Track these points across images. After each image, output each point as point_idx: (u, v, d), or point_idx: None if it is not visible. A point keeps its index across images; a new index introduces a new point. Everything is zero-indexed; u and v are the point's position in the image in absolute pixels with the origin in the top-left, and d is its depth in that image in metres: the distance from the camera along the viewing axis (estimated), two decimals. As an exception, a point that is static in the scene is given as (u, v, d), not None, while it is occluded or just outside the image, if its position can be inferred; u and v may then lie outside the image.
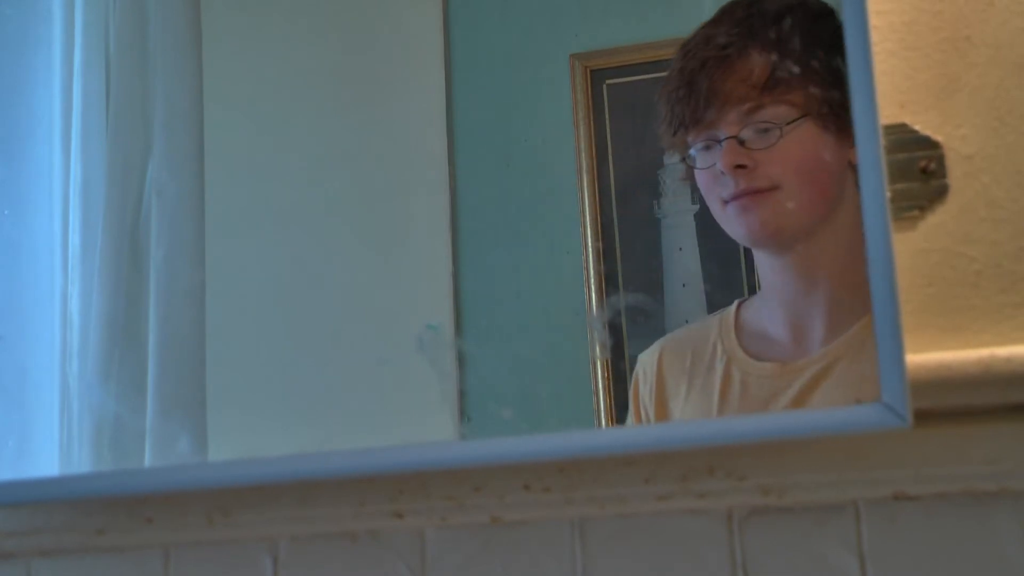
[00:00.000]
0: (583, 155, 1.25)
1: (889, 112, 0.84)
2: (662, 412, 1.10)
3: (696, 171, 1.09)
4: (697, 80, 1.07)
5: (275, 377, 1.27)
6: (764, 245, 1.07)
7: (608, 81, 1.26)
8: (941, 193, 0.83)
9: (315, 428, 1.16)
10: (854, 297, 1.00)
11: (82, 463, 1.20)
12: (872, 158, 0.80)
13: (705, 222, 1.12)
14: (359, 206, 1.31)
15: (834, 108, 1.02)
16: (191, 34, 1.28)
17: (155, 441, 1.18)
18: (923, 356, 0.79)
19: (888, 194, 0.79)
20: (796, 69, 1.04)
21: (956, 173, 0.83)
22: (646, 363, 1.12)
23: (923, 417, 0.77)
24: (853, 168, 1.01)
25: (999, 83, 0.83)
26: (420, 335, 1.23)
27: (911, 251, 0.82)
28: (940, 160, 0.83)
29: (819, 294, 1.06)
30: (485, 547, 0.88)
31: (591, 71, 1.27)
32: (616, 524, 0.85)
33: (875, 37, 0.83)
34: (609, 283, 1.22)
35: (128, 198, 1.26)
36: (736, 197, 1.05)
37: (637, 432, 0.89)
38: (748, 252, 1.12)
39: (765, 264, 1.09)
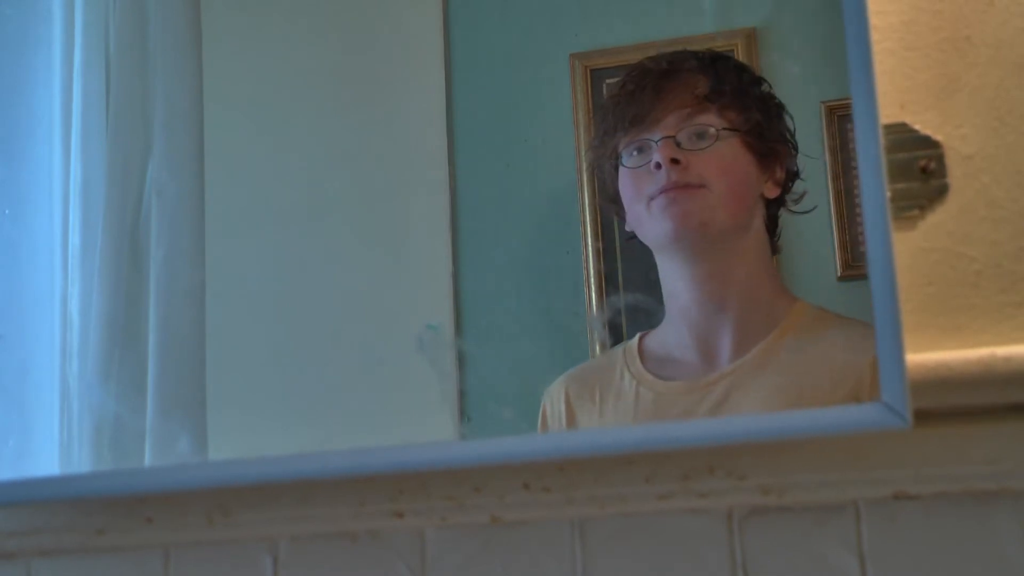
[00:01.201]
0: (583, 155, 1.25)
1: (889, 112, 0.84)
2: None
3: (623, 172, 1.15)
4: (641, 88, 1.14)
5: (275, 377, 1.27)
6: (687, 240, 1.11)
7: (608, 81, 1.26)
8: (941, 193, 0.83)
9: (315, 428, 1.17)
10: (758, 319, 1.10)
11: (82, 463, 1.20)
12: (872, 158, 0.80)
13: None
14: (359, 206, 1.31)
15: (761, 135, 1.12)
16: (191, 34, 1.28)
17: (155, 441, 1.18)
18: (923, 356, 0.79)
19: (888, 194, 0.79)
20: (732, 91, 1.13)
21: (956, 173, 0.83)
22: (553, 396, 1.15)
23: (923, 417, 0.77)
24: (764, 202, 1.13)
25: (999, 83, 0.83)
26: (420, 335, 1.23)
27: (911, 251, 0.82)
28: (940, 160, 0.83)
29: (727, 314, 1.10)
30: (485, 547, 0.88)
31: (591, 71, 1.27)
32: (616, 524, 0.85)
33: (875, 37, 0.83)
34: (609, 283, 1.22)
35: (128, 198, 1.26)
36: (666, 190, 1.10)
37: (637, 432, 0.89)
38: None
39: (677, 282, 1.13)
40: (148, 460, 1.18)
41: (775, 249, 1.13)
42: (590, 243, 1.23)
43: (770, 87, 1.15)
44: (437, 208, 1.27)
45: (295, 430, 1.16)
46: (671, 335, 1.13)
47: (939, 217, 0.83)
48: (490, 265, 1.25)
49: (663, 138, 1.11)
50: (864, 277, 0.80)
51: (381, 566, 0.89)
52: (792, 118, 1.14)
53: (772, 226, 1.13)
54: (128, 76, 1.29)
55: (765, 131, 1.13)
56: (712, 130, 1.11)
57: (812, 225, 1.16)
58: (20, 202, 1.29)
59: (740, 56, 1.21)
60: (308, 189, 1.31)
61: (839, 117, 1.16)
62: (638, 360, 1.12)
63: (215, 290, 1.24)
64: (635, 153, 1.13)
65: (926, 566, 0.79)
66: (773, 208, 1.13)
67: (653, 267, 1.19)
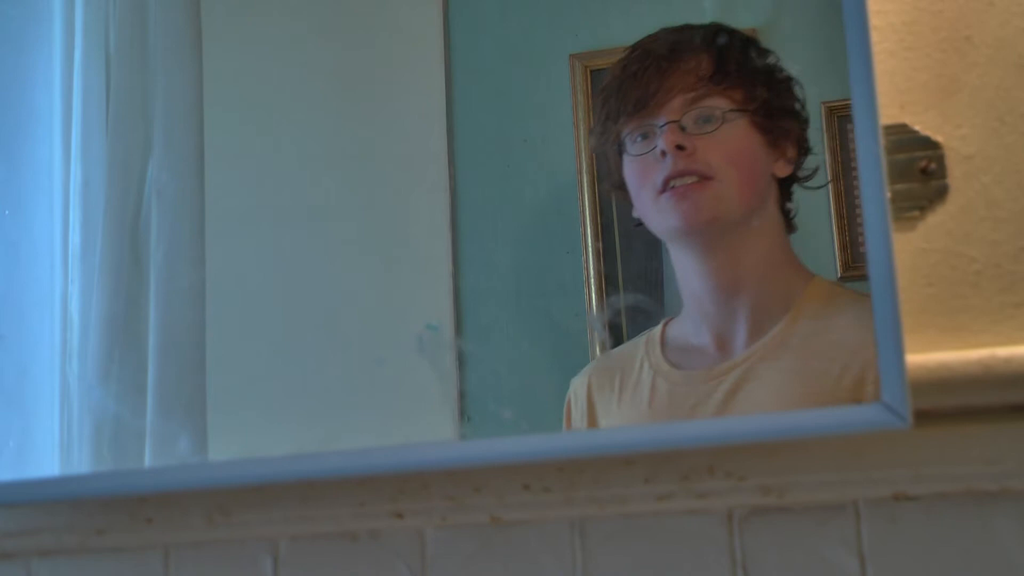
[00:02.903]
0: (583, 155, 1.25)
1: (889, 112, 0.84)
2: (593, 427, 1.11)
3: (628, 160, 1.12)
4: (643, 72, 1.10)
5: (275, 377, 1.27)
6: (697, 234, 1.09)
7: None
8: (941, 193, 0.83)
9: (315, 428, 1.16)
10: (773, 303, 1.07)
11: (82, 463, 1.20)
12: (872, 158, 0.80)
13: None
14: (359, 206, 1.31)
15: (770, 113, 1.09)
16: (191, 34, 1.28)
17: (155, 441, 1.18)
18: (923, 356, 0.79)
19: (888, 194, 0.79)
20: (737, 69, 1.10)
21: (956, 173, 0.83)
22: (577, 388, 1.14)
23: (923, 417, 0.77)
24: (776, 180, 1.10)
25: (999, 83, 0.83)
26: (420, 335, 1.23)
27: (911, 251, 0.82)
28: (940, 160, 0.83)
29: (740, 300, 1.08)
30: (485, 547, 0.88)
31: (591, 71, 1.27)
32: (616, 524, 0.85)
33: (875, 37, 0.83)
34: (609, 283, 1.22)
35: (128, 198, 1.26)
36: (673, 177, 1.07)
37: (637, 432, 0.89)
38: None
39: (689, 272, 1.10)
40: (148, 460, 1.18)
41: (791, 228, 1.11)
42: (590, 243, 1.23)
43: (777, 58, 1.11)
44: (437, 208, 1.27)
45: (295, 430, 1.16)
46: (689, 324, 1.11)
47: (939, 217, 0.83)
48: (490, 265, 1.25)
49: (667, 123, 1.08)
50: (864, 277, 0.80)
51: (381, 566, 0.89)
52: (803, 87, 1.11)
53: (786, 205, 1.10)
54: (128, 75, 1.29)
55: (773, 109, 1.09)
56: (718, 112, 1.08)
57: (812, 225, 1.16)
58: (20, 202, 1.29)
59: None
60: (308, 189, 1.31)
61: (839, 117, 1.16)
62: (658, 349, 1.11)
63: (215, 290, 1.24)
64: (639, 139, 1.11)
65: (926, 566, 0.79)
66: (786, 186, 1.10)
67: (653, 268, 1.19)
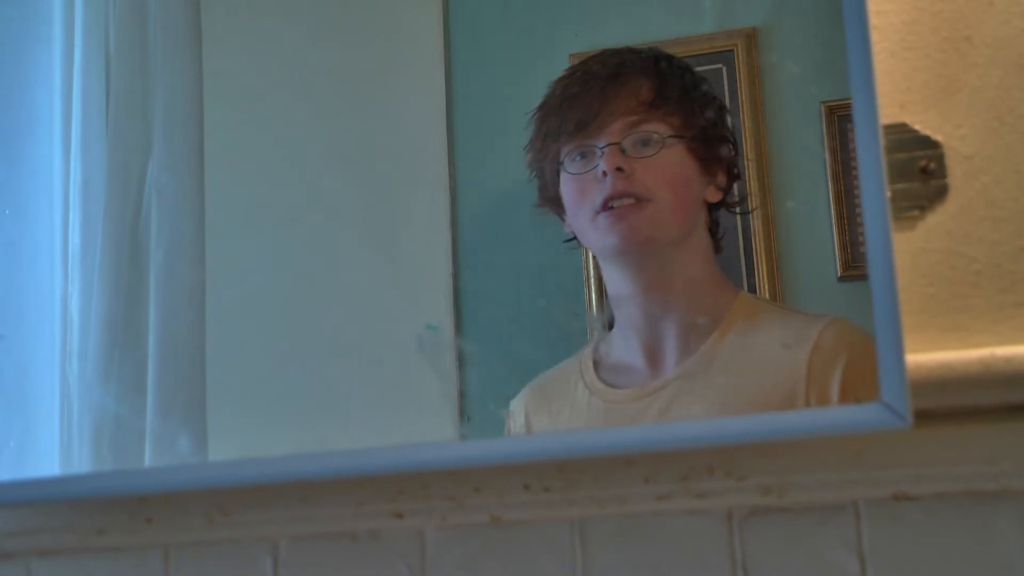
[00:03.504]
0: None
1: (889, 112, 0.84)
2: None
3: (566, 178, 1.15)
4: (586, 93, 1.14)
5: (275, 377, 1.27)
6: (632, 253, 1.12)
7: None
8: (941, 193, 0.83)
9: (315, 428, 1.16)
10: (701, 320, 1.11)
11: (82, 463, 1.20)
12: (872, 158, 0.80)
13: (705, 222, 1.14)
14: (359, 206, 1.31)
15: (706, 140, 1.13)
16: (191, 34, 1.28)
17: (155, 441, 1.18)
18: (923, 356, 0.79)
19: (888, 194, 0.79)
20: (678, 95, 1.13)
21: (956, 173, 0.83)
22: (515, 409, 1.15)
23: (923, 417, 0.77)
24: (706, 205, 1.14)
25: (999, 83, 0.83)
26: (420, 335, 1.23)
27: (911, 251, 0.82)
28: (940, 160, 0.83)
29: (670, 317, 1.11)
30: (485, 547, 0.88)
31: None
32: (616, 524, 0.85)
33: (875, 37, 0.83)
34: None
35: (128, 198, 1.26)
36: (612, 198, 1.11)
37: (637, 432, 0.89)
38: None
39: (622, 289, 1.13)
40: (148, 460, 1.18)
41: (718, 249, 1.14)
42: (590, 243, 1.23)
43: (710, 86, 1.16)
44: (437, 208, 1.27)
45: (295, 430, 1.16)
46: (620, 341, 1.14)
47: (939, 217, 0.83)
48: (490, 265, 1.25)
49: (608, 145, 1.12)
50: (864, 277, 0.80)
51: (381, 566, 0.89)
52: (731, 115, 1.16)
53: (714, 228, 1.14)
54: (128, 76, 1.29)
55: (709, 136, 1.14)
56: (657, 137, 1.12)
57: (812, 225, 1.16)
58: (20, 202, 1.29)
59: (740, 56, 1.21)
60: (308, 189, 1.31)
61: (839, 117, 1.16)
62: (592, 369, 1.13)
63: (215, 290, 1.24)
64: (578, 159, 1.14)
65: (926, 566, 0.79)
66: (715, 211, 1.14)
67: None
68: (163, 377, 1.20)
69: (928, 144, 0.83)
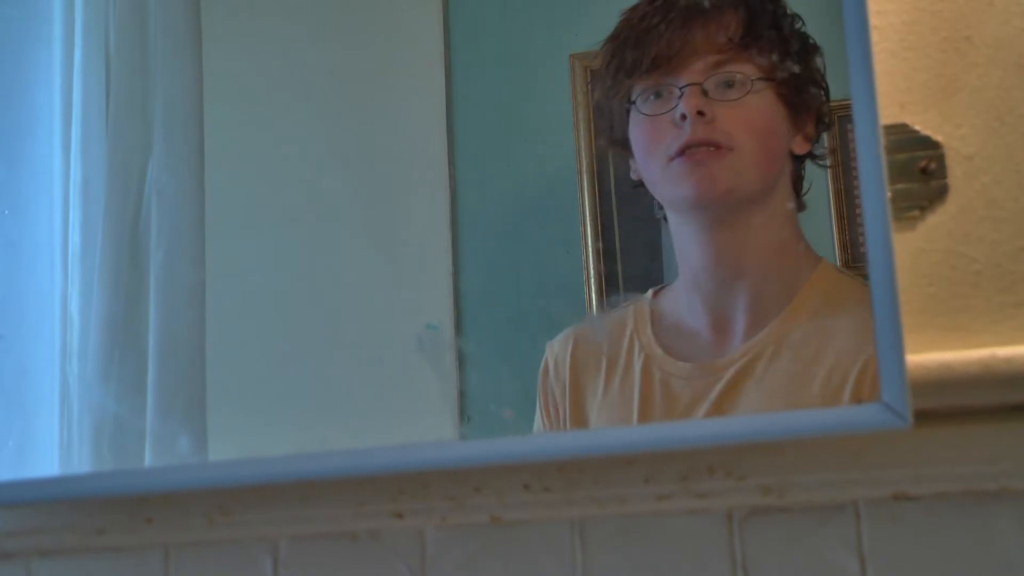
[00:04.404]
0: (583, 155, 1.25)
1: (889, 112, 0.84)
2: (578, 413, 1.06)
3: (637, 118, 1.05)
4: (667, 23, 1.03)
5: (275, 377, 1.27)
6: (708, 206, 1.02)
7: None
8: (941, 193, 0.83)
9: (315, 428, 1.16)
10: (776, 289, 1.01)
11: (82, 463, 1.20)
12: (872, 158, 0.80)
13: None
14: (359, 206, 1.31)
15: (797, 85, 1.02)
16: (191, 34, 1.28)
17: (155, 441, 1.18)
18: (923, 356, 0.79)
19: (888, 194, 0.79)
20: (770, 33, 1.02)
21: (956, 173, 0.83)
22: (558, 357, 1.08)
23: (923, 417, 0.77)
24: (791, 157, 1.03)
25: (999, 83, 0.83)
26: (420, 335, 1.23)
27: (911, 251, 0.82)
28: (940, 160, 0.83)
29: (743, 284, 1.03)
30: (485, 547, 0.88)
31: (591, 71, 1.27)
32: (616, 524, 0.85)
33: (875, 37, 0.83)
34: (609, 283, 1.22)
35: (128, 198, 1.26)
36: (690, 146, 1.01)
37: (637, 432, 0.89)
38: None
39: (691, 245, 1.04)
40: (148, 460, 1.18)
41: (801, 207, 1.05)
42: (590, 243, 1.23)
43: (803, 23, 1.04)
44: (437, 208, 1.27)
45: (295, 430, 1.16)
46: (684, 300, 1.05)
47: (939, 217, 0.83)
48: (490, 265, 1.25)
49: (689, 85, 1.01)
50: (864, 277, 0.80)
51: (381, 566, 0.89)
52: (824, 58, 1.04)
53: (798, 183, 1.04)
54: (128, 76, 1.29)
55: (801, 80, 1.02)
56: (743, 78, 1.01)
57: (812, 225, 1.15)
58: (20, 202, 1.29)
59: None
60: (308, 189, 1.31)
61: (839, 117, 1.16)
62: (649, 327, 1.04)
63: (215, 290, 1.24)
64: (653, 98, 1.03)
65: (926, 566, 0.79)
66: (800, 163, 1.05)
67: (654, 267, 1.19)
68: (163, 377, 1.20)
69: (928, 144, 0.84)
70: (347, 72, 1.35)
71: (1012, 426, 0.78)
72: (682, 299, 1.06)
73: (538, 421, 1.09)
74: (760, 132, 1.02)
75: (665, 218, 1.09)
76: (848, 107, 0.82)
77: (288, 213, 1.31)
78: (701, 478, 0.84)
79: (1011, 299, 0.80)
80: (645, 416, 1.02)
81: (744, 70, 1.01)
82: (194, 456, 1.17)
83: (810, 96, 1.03)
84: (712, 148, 1.01)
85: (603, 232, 1.23)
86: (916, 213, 0.83)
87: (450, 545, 0.88)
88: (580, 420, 1.06)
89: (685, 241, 1.05)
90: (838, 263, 1.15)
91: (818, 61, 1.03)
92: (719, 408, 0.99)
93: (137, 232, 1.25)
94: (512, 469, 0.87)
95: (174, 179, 1.25)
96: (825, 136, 1.05)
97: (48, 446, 1.23)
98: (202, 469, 0.98)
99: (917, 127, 0.84)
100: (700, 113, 1.01)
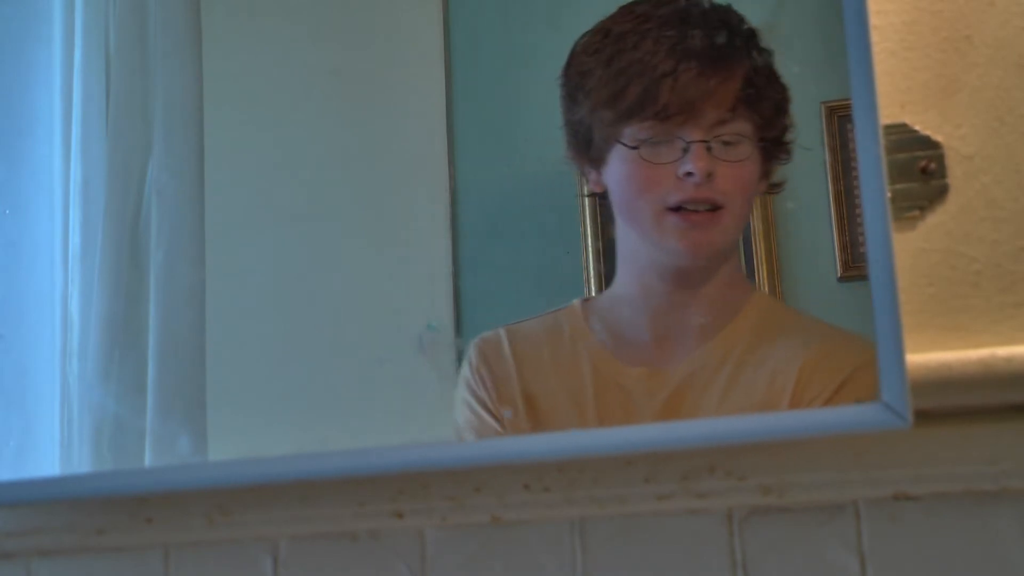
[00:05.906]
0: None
1: (889, 112, 0.84)
2: (532, 403, 1.04)
3: (631, 156, 1.02)
4: (686, 71, 0.99)
5: (275, 377, 1.27)
6: (694, 263, 1.03)
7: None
8: (941, 193, 0.83)
9: (315, 428, 1.16)
10: (720, 307, 1.02)
11: (82, 463, 1.20)
12: (872, 158, 0.80)
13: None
14: (359, 206, 1.31)
15: (780, 142, 1.02)
16: (191, 34, 1.28)
17: (155, 441, 1.18)
18: (923, 356, 0.79)
19: (888, 194, 0.79)
20: (764, 89, 1.01)
21: (956, 173, 0.83)
22: (493, 346, 1.06)
23: (923, 417, 0.77)
24: None
25: (999, 83, 0.83)
26: (420, 335, 1.23)
27: (911, 251, 0.82)
28: (940, 160, 0.83)
29: (693, 301, 1.03)
30: (485, 547, 0.88)
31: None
32: (616, 524, 0.85)
33: (875, 37, 0.83)
34: (609, 283, 1.22)
35: (128, 198, 1.26)
36: (688, 202, 0.99)
37: (637, 432, 0.89)
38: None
39: (650, 266, 1.04)
40: (148, 460, 1.18)
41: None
42: (590, 243, 1.23)
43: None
44: (437, 208, 1.27)
45: (295, 430, 1.16)
46: (625, 312, 1.05)
47: (939, 217, 0.83)
48: (490, 265, 1.25)
49: (698, 143, 0.99)
50: (864, 277, 0.80)
51: (381, 566, 0.89)
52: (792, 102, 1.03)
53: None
54: (128, 76, 1.29)
55: (782, 136, 1.02)
56: (740, 139, 1.00)
57: (812, 225, 1.15)
58: (20, 202, 1.29)
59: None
60: (308, 189, 1.31)
61: (839, 117, 1.16)
62: (588, 331, 1.05)
63: (215, 290, 1.24)
64: (653, 145, 1.01)
65: (926, 566, 0.79)
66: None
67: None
68: (163, 377, 1.20)
69: (928, 144, 0.84)
70: (347, 72, 1.35)
71: (1012, 426, 0.78)
72: (622, 311, 1.06)
73: (463, 419, 1.07)
74: (746, 190, 1.02)
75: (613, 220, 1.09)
76: (848, 107, 0.82)
77: (288, 213, 1.31)
78: (701, 478, 0.84)
79: (1011, 299, 0.80)
80: (603, 416, 1.02)
81: (744, 130, 1.00)
82: (194, 456, 1.17)
83: (784, 147, 1.03)
84: (708, 208, 1.00)
85: (603, 232, 1.23)
86: (916, 213, 0.83)
87: (450, 545, 0.88)
88: (534, 411, 1.05)
89: (645, 266, 1.05)
90: (838, 263, 1.15)
91: (792, 111, 1.02)
92: (674, 411, 1.00)
93: (137, 232, 1.25)
94: (512, 469, 0.87)
95: (174, 179, 1.25)
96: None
97: (48, 446, 1.23)
98: (202, 469, 0.98)
99: (917, 127, 0.84)
100: (709, 176, 0.99)
